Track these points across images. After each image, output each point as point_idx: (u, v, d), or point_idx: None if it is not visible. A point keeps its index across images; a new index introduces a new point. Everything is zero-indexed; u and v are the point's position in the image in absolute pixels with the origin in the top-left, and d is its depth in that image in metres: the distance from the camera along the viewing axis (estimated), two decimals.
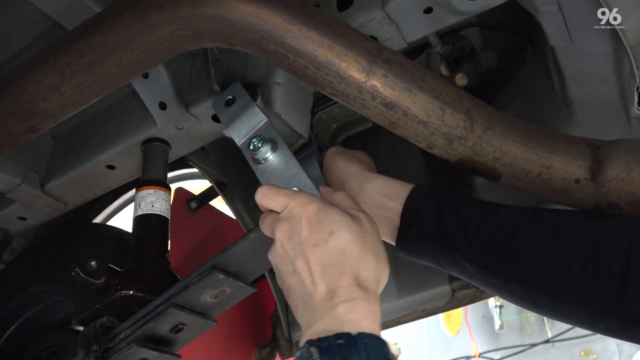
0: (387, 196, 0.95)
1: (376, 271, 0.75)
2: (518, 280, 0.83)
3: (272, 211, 0.83)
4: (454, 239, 0.88)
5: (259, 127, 0.98)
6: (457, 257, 0.88)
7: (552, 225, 0.85)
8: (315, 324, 0.71)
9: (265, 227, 0.83)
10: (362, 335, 0.66)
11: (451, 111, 0.86)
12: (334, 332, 0.67)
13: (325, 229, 0.75)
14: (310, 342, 0.67)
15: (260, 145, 0.93)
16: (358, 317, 0.69)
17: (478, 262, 0.86)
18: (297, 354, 0.68)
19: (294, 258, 0.76)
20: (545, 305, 0.83)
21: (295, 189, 0.85)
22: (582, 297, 0.78)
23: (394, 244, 0.95)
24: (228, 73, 1.11)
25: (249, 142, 0.95)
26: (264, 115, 0.97)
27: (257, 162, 0.95)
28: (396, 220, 0.94)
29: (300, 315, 0.76)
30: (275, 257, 0.80)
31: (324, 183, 1.04)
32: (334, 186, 1.01)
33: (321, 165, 1.12)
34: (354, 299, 0.70)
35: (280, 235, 0.78)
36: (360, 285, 0.73)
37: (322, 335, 0.67)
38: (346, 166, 1.04)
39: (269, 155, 0.94)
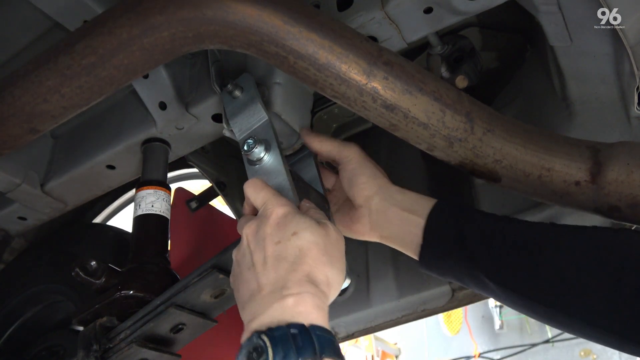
0: (412, 211, 0.94)
1: (330, 275, 0.77)
2: (542, 300, 0.82)
3: (250, 213, 0.88)
4: (476, 256, 0.86)
5: (258, 124, 0.97)
6: (479, 274, 0.86)
7: (576, 244, 0.82)
8: (262, 315, 0.71)
9: (240, 226, 0.85)
10: (314, 327, 0.67)
11: (452, 113, 0.86)
12: (286, 322, 0.67)
13: (289, 230, 0.77)
14: (258, 332, 0.67)
15: (253, 146, 0.93)
16: (308, 310, 0.70)
17: (501, 280, 0.85)
18: (243, 344, 0.68)
19: (254, 252, 0.78)
20: (571, 326, 0.81)
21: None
22: (610, 321, 0.76)
23: (417, 258, 0.94)
24: (237, 63, 1.10)
25: (244, 141, 0.95)
26: (265, 114, 0.97)
27: (251, 162, 0.94)
28: (419, 234, 0.92)
29: (246, 308, 0.75)
30: (238, 252, 0.82)
31: (319, 185, 1.04)
32: (357, 198, 0.98)
33: (316, 164, 1.11)
34: (303, 293, 0.71)
35: (247, 230, 0.81)
36: (315, 284, 0.74)
37: (273, 325, 0.68)
38: (372, 180, 0.99)
39: (263, 156, 0.93)
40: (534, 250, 0.84)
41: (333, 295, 0.78)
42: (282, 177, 0.91)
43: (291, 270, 0.74)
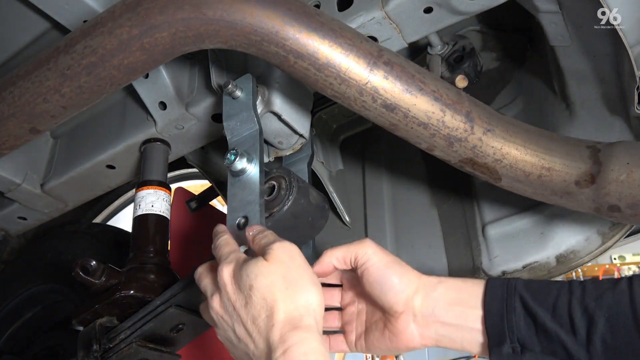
0: (462, 303, 0.81)
1: (305, 297, 0.74)
2: None
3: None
4: (566, 345, 0.74)
5: (248, 132, 0.96)
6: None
7: None
8: None
9: (205, 311, 0.85)
10: None
11: (452, 113, 0.86)
12: None
13: (245, 286, 0.75)
14: None
15: (233, 159, 0.91)
16: None
17: None
18: None
19: (233, 326, 0.77)
20: None
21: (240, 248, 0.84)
22: None
23: (485, 356, 0.81)
24: (237, 63, 1.10)
25: (228, 152, 0.93)
26: (256, 124, 0.96)
27: (232, 174, 0.93)
28: (479, 329, 0.79)
29: None
30: (222, 334, 0.81)
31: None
32: (394, 303, 0.83)
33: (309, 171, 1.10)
34: (288, 348, 0.69)
35: (216, 310, 0.79)
36: (294, 325, 0.71)
37: None
38: (405, 277, 0.84)
39: (244, 168, 0.91)
40: (629, 322, 0.71)
41: (320, 307, 0.75)
42: (254, 196, 0.89)
43: (269, 326, 0.72)
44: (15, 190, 1.35)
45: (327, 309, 0.94)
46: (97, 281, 1.07)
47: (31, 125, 0.95)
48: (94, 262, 1.07)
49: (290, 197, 0.93)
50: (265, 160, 1.16)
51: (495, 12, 1.05)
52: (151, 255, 1.15)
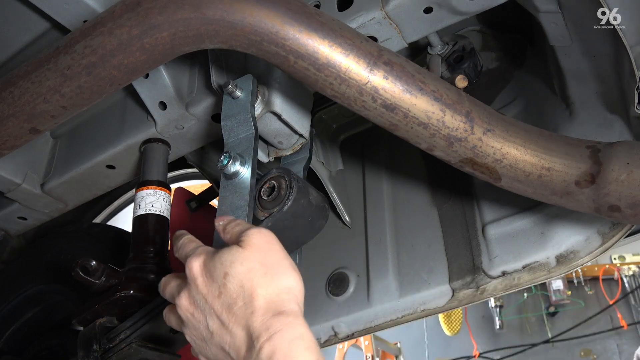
0: None
1: (285, 282, 0.71)
2: None
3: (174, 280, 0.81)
4: None
5: (244, 135, 0.96)
6: None
7: None
8: None
9: (168, 316, 0.82)
10: None
11: (452, 113, 0.86)
12: None
13: (219, 275, 0.71)
14: None
15: (226, 162, 0.91)
16: (285, 353, 0.64)
17: None
18: None
19: (206, 320, 0.72)
20: None
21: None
22: None
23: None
24: (237, 63, 1.10)
25: (222, 155, 0.93)
26: (252, 127, 0.96)
27: (225, 176, 0.93)
28: None
29: None
30: (191, 333, 0.76)
31: None
32: None
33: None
34: (273, 334, 0.65)
35: (183, 306, 0.75)
36: (277, 311, 0.68)
37: None
38: None
39: (237, 171, 0.92)
40: None
41: (301, 292, 0.73)
42: (243, 201, 0.89)
43: (248, 313, 0.68)
44: (15, 190, 1.35)
45: None
46: (97, 281, 1.07)
47: (31, 125, 0.95)
48: (94, 262, 1.07)
49: (290, 197, 0.93)
50: (265, 160, 1.16)
51: (495, 12, 1.05)
52: (151, 255, 1.15)
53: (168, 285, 0.81)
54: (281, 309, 0.68)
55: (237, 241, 0.75)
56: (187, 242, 0.82)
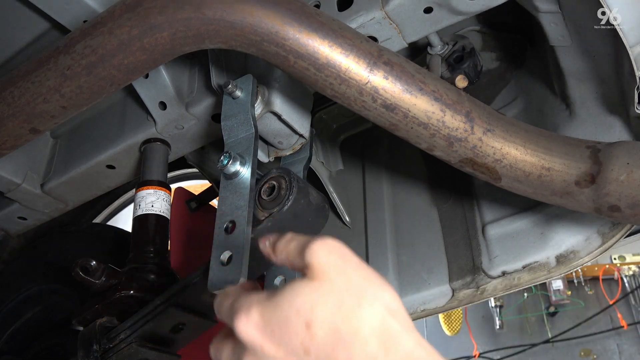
0: None
1: (385, 302, 0.55)
2: None
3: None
4: None
5: (244, 135, 0.96)
6: None
7: None
8: None
9: None
10: None
11: (452, 113, 0.86)
12: None
13: (298, 328, 0.54)
14: None
15: (226, 162, 0.91)
16: None
17: None
18: None
19: None
20: None
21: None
22: None
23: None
24: (237, 63, 1.10)
25: (222, 155, 0.93)
26: (252, 127, 0.96)
27: (225, 176, 0.93)
28: None
29: None
30: None
31: None
32: None
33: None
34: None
35: None
36: (389, 340, 0.53)
37: None
38: None
39: (237, 171, 0.91)
40: None
41: (396, 297, 0.57)
42: (243, 201, 0.88)
43: (360, 357, 0.52)
44: (15, 190, 1.35)
45: None
46: (97, 281, 1.07)
47: (31, 126, 0.95)
48: (94, 262, 1.07)
49: (290, 197, 0.93)
50: (265, 160, 1.16)
51: (495, 12, 1.05)
52: (151, 255, 1.15)
53: (221, 352, 0.62)
54: (392, 334, 0.54)
55: (302, 268, 0.58)
56: (224, 297, 0.63)
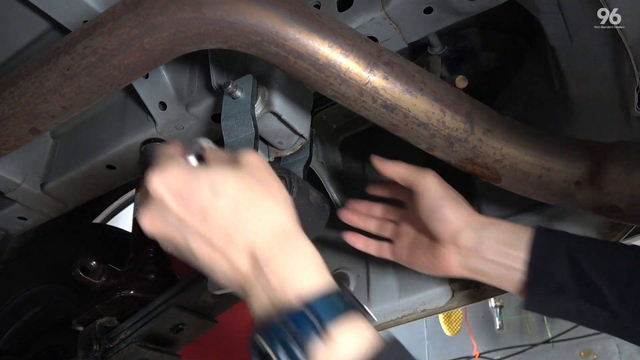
0: (508, 244, 0.85)
1: (284, 210, 0.65)
2: None
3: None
4: (605, 296, 0.77)
5: (244, 135, 0.96)
6: (610, 317, 0.77)
7: None
8: (253, 305, 0.59)
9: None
10: (306, 302, 0.55)
11: (452, 113, 0.86)
12: (275, 308, 0.57)
13: (202, 192, 0.61)
14: (255, 331, 0.56)
15: None
16: (293, 278, 0.58)
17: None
18: (251, 345, 0.57)
19: (188, 243, 0.62)
20: None
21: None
22: None
23: (518, 294, 0.86)
24: (237, 63, 1.10)
25: None
26: (252, 127, 0.96)
27: None
28: (521, 269, 0.83)
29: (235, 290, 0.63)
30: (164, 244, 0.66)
31: None
32: (441, 233, 0.88)
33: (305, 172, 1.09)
34: (277, 254, 0.59)
35: (150, 229, 0.64)
36: (281, 232, 0.62)
37: (265, 319, 0.57)
38: (458, 212, 0.89)
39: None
40: None
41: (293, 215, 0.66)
42: None
43: (251, 232, 0.60)
44: (15, 190, 1.35)
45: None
46: (97, 281, 1.07)
47: (31, 126, 0.95)
48: (94, 262, 1.08)
49: (290, 198, 0.93)
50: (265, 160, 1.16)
51: (495, 12, 1.05)
52: (151, 255, 1.16)
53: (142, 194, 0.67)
54: (286, 229, 0.62)
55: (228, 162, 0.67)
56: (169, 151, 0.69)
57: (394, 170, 0.93)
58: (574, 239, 0.84)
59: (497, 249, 0.85)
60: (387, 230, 1.02)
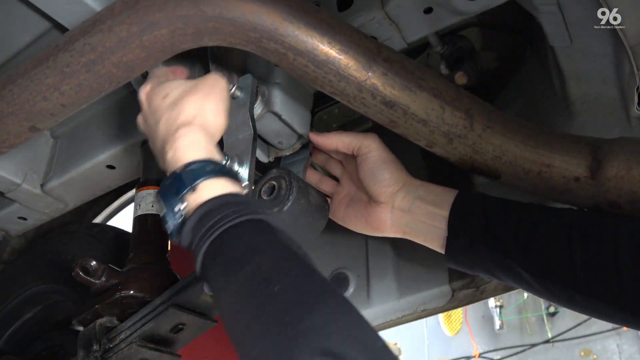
0: (436, 204, 0.92)
1: (199, 105, 0.81)
2: (580, 290, 0.79)
3: None
4: (507, 246, 0.83)
5: (242, 135, 0.96)
6: (512, 265, 0.83)
7: (610, 231, 0.79)
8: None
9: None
10: (186, 166, 0.75)
11: (451, 110, 0.86)
12: (168, 174, 0.78)
13: (158, 95, 0.84)
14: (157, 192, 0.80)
15: (224, 163, 0.90)
16: (183, 155, 0.77)
17: (535, 270, 0.82)
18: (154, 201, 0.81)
19: (152, 136, 0.87)
20: (613, 317, 0.79)
21: None
22: None
23: (442, 251, 0.92)
24: (237, 61, 1.10)
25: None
26: (251, 128, 0.96)
27: None
28: (444, 228, 0.90)
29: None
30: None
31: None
32: (380, 194, 0.95)
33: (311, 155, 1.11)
34: (177, 139, 0.78)
35: (139, 124, 0.92)
36: (185, 124, 0.79)
37: (163, 182, 0.79)
38: (396, 175, 0.96)
39: (235, 172, 0.91)
40: (565, 238, 0.80)
41: (218, 125, 0.83)
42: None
43: (173, 125, 0.80)
44: (15, 190, 1.35)
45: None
46: (97, 281, 1.07)
47: (31, 124, 0.95)
48: (94, 262, 1.07)
49: (290, 197, 0.93)
50: (265, 160, 1.16)
51: (495, 12, 1.05)
52: (151, 255, 1.15)
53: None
54: (193, 121, 0.80)
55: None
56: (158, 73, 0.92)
57: (339, 138, 0.99)
58: (491, 199, 0.90)
59: (426, 210, 0.92)
60: (327, 185, 1.08)
